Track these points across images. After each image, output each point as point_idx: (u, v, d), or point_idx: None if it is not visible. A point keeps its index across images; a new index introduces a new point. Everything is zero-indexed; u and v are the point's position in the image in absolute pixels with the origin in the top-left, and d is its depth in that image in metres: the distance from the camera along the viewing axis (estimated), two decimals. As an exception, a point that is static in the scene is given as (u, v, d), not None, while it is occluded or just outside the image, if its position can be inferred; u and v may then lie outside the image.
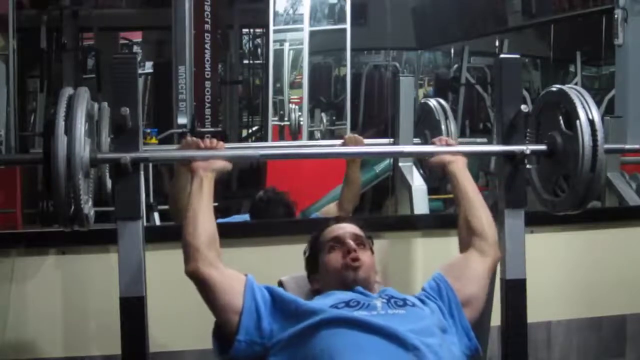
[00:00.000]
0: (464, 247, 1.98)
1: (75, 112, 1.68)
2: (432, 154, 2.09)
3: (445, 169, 2.05)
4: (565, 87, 1.97)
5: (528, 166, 2.06)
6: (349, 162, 3.03)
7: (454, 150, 2.06)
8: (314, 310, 1.74)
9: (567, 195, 1.97)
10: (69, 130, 1.66)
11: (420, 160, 2.87)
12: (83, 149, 1.67)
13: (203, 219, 1.81)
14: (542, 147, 1.99)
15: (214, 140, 1.96)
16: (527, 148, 1.96)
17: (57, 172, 1.65)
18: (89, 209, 1.76)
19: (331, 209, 3.08)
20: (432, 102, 2.96)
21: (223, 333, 1.78)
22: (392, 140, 3.04)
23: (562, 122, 1.95)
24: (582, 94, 1.92)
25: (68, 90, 1.74)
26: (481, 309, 1.93)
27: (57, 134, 1.66)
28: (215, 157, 1.91)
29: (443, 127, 2.88)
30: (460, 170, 2.03)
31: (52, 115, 1.69)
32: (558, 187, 2.01)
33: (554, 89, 2.01)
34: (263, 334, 1.74)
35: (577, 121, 1.88)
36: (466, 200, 2.00)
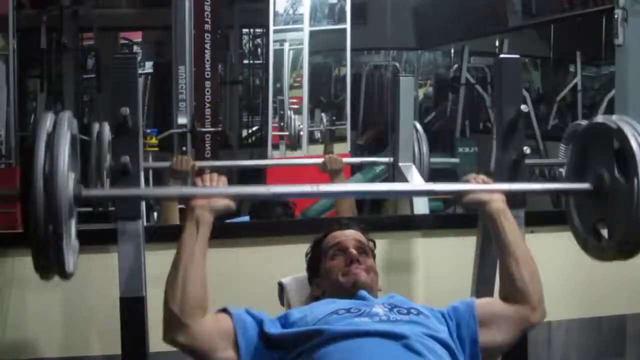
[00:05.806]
0: (505, 300, 1.80)
1: (57, 145, 1.46)
2: (466, 192, 1.85)
3: (483, 209, 1.84)
4: (616, 118, 1.80)
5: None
6: (332, 174, 3.03)
7: (491, 188, 1.86)
8: (306, 332, 1.65)
9: (615, 241, 1.77)
10: (50, 166, 1.45)
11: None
12: (66, 186, 1.48)
13: (192, 280, 1.61)
14: (586, 185, 1.82)
15: (215, 176, 1.75)
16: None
17: (37, 217, 1.44)
18: (71, 254, 1.58)
19: None
20: None
21: None
22: (392, 159, 3.04)
23: (614, 163, 1.74)
24: (638, 130, 1.72)
25: (48, 117, 1.51)
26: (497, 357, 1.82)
27: (36, 170, 1.44)
28: (219, 195, 1.71)
29: (416, 148, 3.02)
30: (500, 211, 1.82)
31: (31, 145, 1.45)
32: (601, 228, 1.83)
33: (602, 121, 1.84)
34: None
35: (634, 165, 1.68)
36: (507, 253, 1.79)
